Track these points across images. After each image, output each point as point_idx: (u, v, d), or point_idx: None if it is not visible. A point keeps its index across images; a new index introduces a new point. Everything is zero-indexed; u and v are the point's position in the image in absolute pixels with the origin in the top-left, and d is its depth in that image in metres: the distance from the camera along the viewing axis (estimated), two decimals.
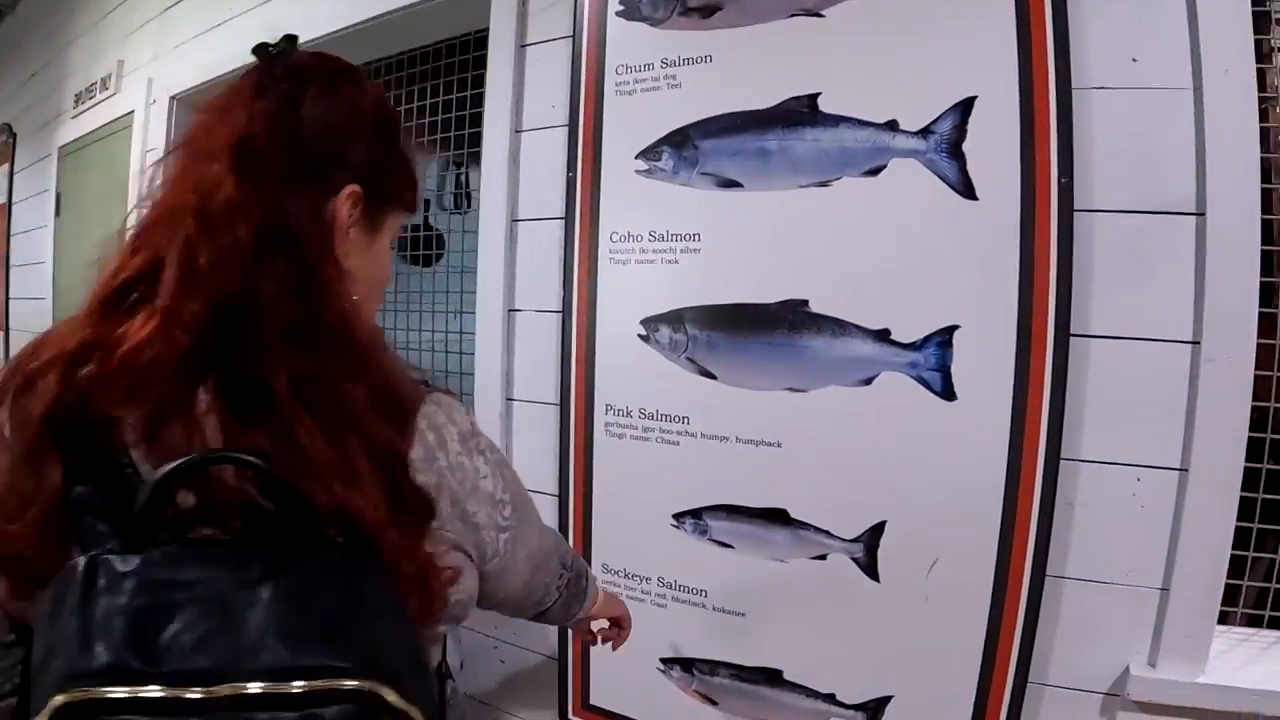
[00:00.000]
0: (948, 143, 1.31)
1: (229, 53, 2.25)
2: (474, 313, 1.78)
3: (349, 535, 0.63)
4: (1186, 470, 1.20)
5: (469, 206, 2.10)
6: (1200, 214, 1.20)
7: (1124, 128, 1.25)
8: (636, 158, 1.54)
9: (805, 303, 1.41)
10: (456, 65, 1.94)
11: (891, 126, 1.35)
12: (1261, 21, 1.30)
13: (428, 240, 2.14)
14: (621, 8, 1.57)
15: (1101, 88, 1.27)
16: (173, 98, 2.60)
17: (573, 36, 1.63)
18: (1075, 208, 1.24)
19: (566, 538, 1.63)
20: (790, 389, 1.43)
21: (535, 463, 1.70)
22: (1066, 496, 1.26)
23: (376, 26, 1.93)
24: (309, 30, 2.03)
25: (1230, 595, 1.26)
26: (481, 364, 1.74)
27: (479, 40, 1.82)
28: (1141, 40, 1.24)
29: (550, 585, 1.02)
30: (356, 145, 0.76)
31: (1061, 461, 1.24)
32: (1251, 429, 1.19)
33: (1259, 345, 1.19)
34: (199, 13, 2.38)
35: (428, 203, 2.16)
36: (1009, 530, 1.27)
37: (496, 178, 1.70)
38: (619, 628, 1.30)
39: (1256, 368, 1.19)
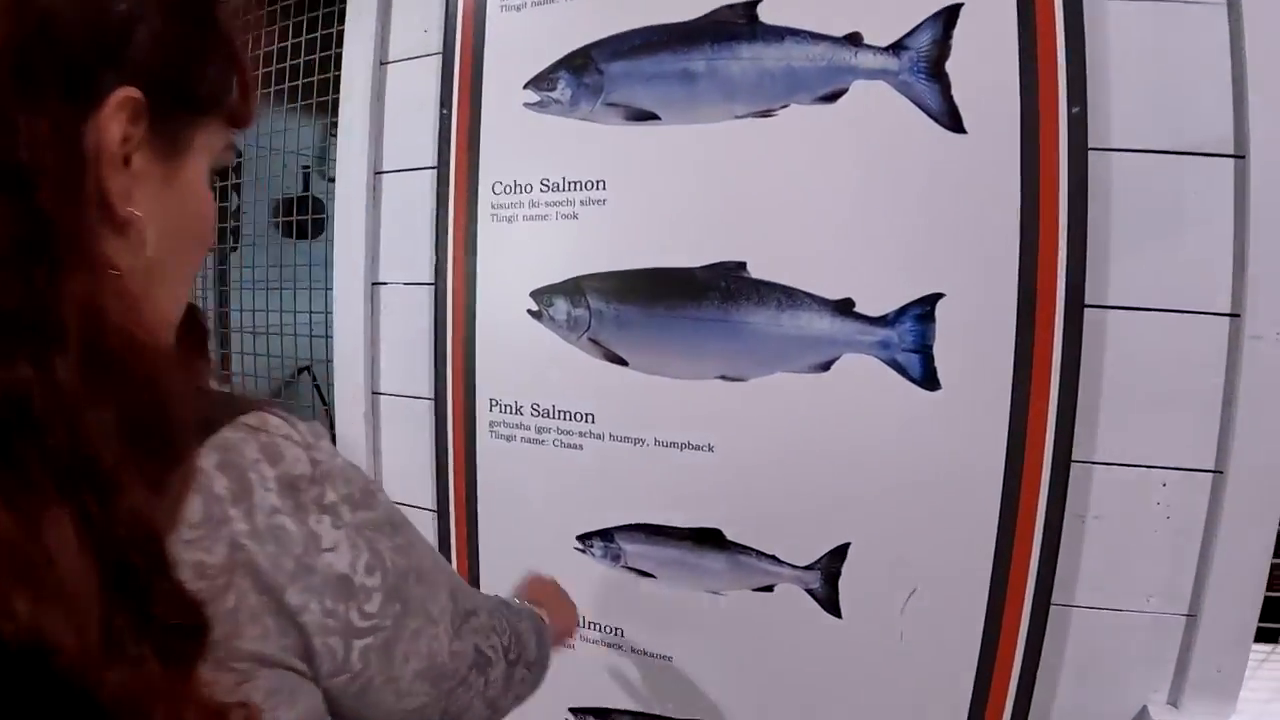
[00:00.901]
0: (927, 61, 0.86)
1: None
2: None
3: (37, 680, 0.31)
4: (1222, 473, 0.84)
5: None
6: (1240, 156, 0.83)
7: (1146, 45, 0.84)
8: (525, 87, 1.00)
9: (742, 265, 0.91)
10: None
11: (854, 40, 0.88)
12: None
13: (306, 207, 1.53)
14: None
15: None
16: None
17: None
18: (1089, 145, 0.82)
19: (448, 561, 1.07)
20: (724, 377, 0.93)
21: (408, 470, 1.16)
22: (1077, 508, 0.87)
23: None
24: None
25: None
26: (341, 350, 1.17)
27: None
28: None
29: (491, 701, 0.58)
30: (133, 27, 0.39)
31: (1072, 465, 0.85)
32: None
33: None
34: None
35: (307, 168, 1.57)
36: (1006, 551, 0.86)
37: (357, 121, 1.13)
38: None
39: None
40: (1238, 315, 0.82)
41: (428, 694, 0.49)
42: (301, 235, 1.57)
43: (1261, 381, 0.81)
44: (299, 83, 1.34)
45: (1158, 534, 0.86)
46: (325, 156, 1.71)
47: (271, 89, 1.38)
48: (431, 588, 0.48)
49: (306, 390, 1.74)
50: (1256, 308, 0.80)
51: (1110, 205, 0.84)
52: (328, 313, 1.41)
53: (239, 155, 1.65)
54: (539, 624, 0.68)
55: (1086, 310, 0.83)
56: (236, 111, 0.44)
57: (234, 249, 1.69)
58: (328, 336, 1.39)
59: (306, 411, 1.71)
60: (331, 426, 1.72)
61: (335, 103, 1.32)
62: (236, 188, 1.67)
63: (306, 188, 1.66)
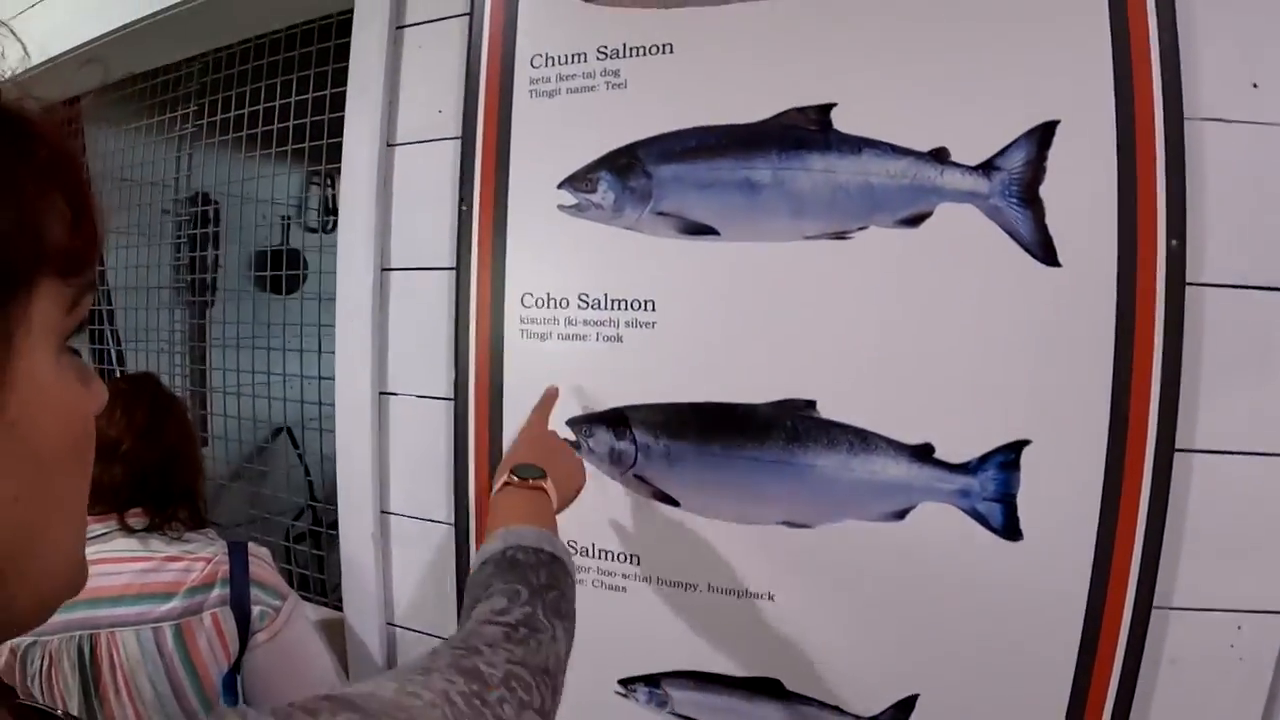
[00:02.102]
0: (1019, 184, 0.72)
1: (51, 30, 1.36)
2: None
3: None
4: None
5: (335, 226, 1.37)
6: None
7: (1243, 173, 0.72)
8: (560, 186, 0.84)
9: (811, 404, 0.77)
10: (314, 56, 1.13)
11: (939, 157, 0.74)
12: None
13: (287, 259, 1.33)
14: None
15: (1216, 119, 0.72)
16: None
17: (470, 14, 0.89)
18: (1187, 280, 0.70)
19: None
20: (788, 523, 0.79)
21: (424, 600, 0.99)
22: (1154, 653, 0.75)
23: (216, 4, 1.11)
24: (139, 7, 1.19)
25: None
26: (346, 467, 0.98)
27: (345, 24, 1.02)
28: (1262, 58, 0.72)
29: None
30: None
31: (1153, 611, 0.73)
32: None
33: None
34: None
35: (286, 218, 1.37)
36: (1080, 703, 0.73)
37: (360, 209, 0.95)
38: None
39: None
40: None
41: None
42: (278, 290, 1.37)
43: None
44: (284, 125, 1.14)
45: (1230, 676, 0.75)
46: (304, 206, 1.50)
47: (244, 133, 1.17)
48: None
49: (284, 452, 1.53)
50: None
51: (1202, 343, 0.72)
52: (303, 377, 1.22)
53: (214, 203, 1.43)
54: (558, 567, 0.57)
55: (1177, 455, 0.71)
56: (70, 253, 0.28)
57: (210, 304, 1.47)
58: (304, 402, 1.21)
59: (282, 475, 1.51)
60: (312, 496, 1.54)
61: (315, 150, 1.12)
62: (213, 238, 1.44)
63: (285, 239, 1.45)
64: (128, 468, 0.93)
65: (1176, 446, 0.71)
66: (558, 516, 0.70)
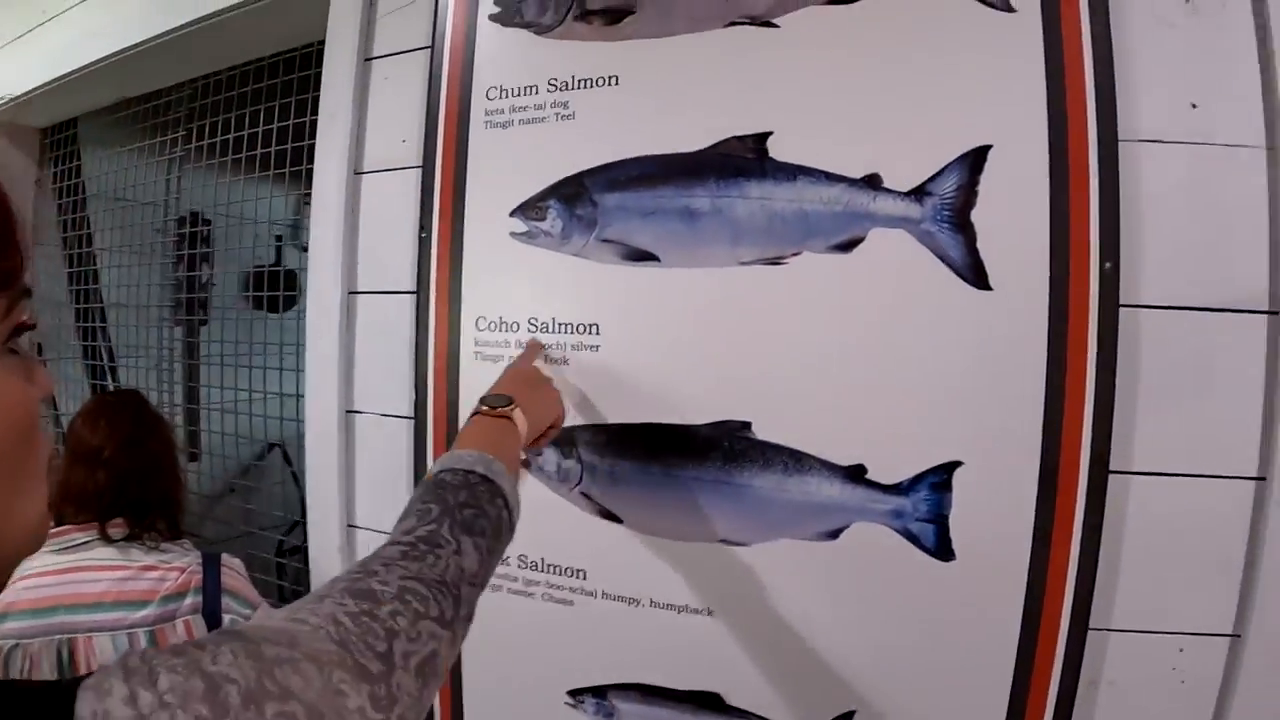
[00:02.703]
0: (951, 209, 0.76)
1: (44, 57, 1.49)
2: None
3: None
4: (1240, 637, 0.76)
5: None
6: (1274, 313, 0.75)
7: (1181, 195, 0.76)
8: (513, 214, 0.89)
9: (747, 426, 0.82)
10: (295, 84, 1.23)
11: (872, 183, 0.77)
12: None
13: (277, 279, 1.41)
14: (497, 9, 0.91)
15: (1154, 141, 0.76)
16: None
17: (431, 47, 0.95)
18: (1120, 302, 0.74)
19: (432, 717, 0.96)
20: (725, 541, 0.84)
21: None
22: (1091, 674, 0.78)
23: (201, 32, 1.22)
24: (125, 36, 1.29)
25: None
26: (314, 480, 1.05)
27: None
28: (1203, 81, 0.76)
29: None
30: None
31: (1089, 632, 0.76)
32: None
33: None
34: (13, 18, 1.58)
35: (280, 238, 1.45)
36: None
37: (329, 234, 1.02)
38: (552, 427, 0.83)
39: None
40: (1264, 479, 0.74)
41: None
42: (273, 309, 1.45)
43: None
44: (286, 147, 1.22)
45: (1172, 699, 0.78)
46: (299, 226, 1.59)
47: (242, 155, 1.26)
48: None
49: (274, 468, 1.61)
50: None
51: (1139, 366, 0.75)
52: (299, 396, 1.29)
53: (207, 223, 1.52)
54: (485, 488, 0.58)
55: (1111, 478, 0.74)
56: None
57: (204, 322, 1.56)
58: (299, 420, 1.28)
59: (277, 490, 1.59)
60: (304, 512, 1.62)
61: (310, 172, 1.20)
62: (206, 258, 1.54)
63: (279, 259, 1.53)
64: (110, 473, 1.01)
65: (1111, 468, 0.74)
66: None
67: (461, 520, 0.53)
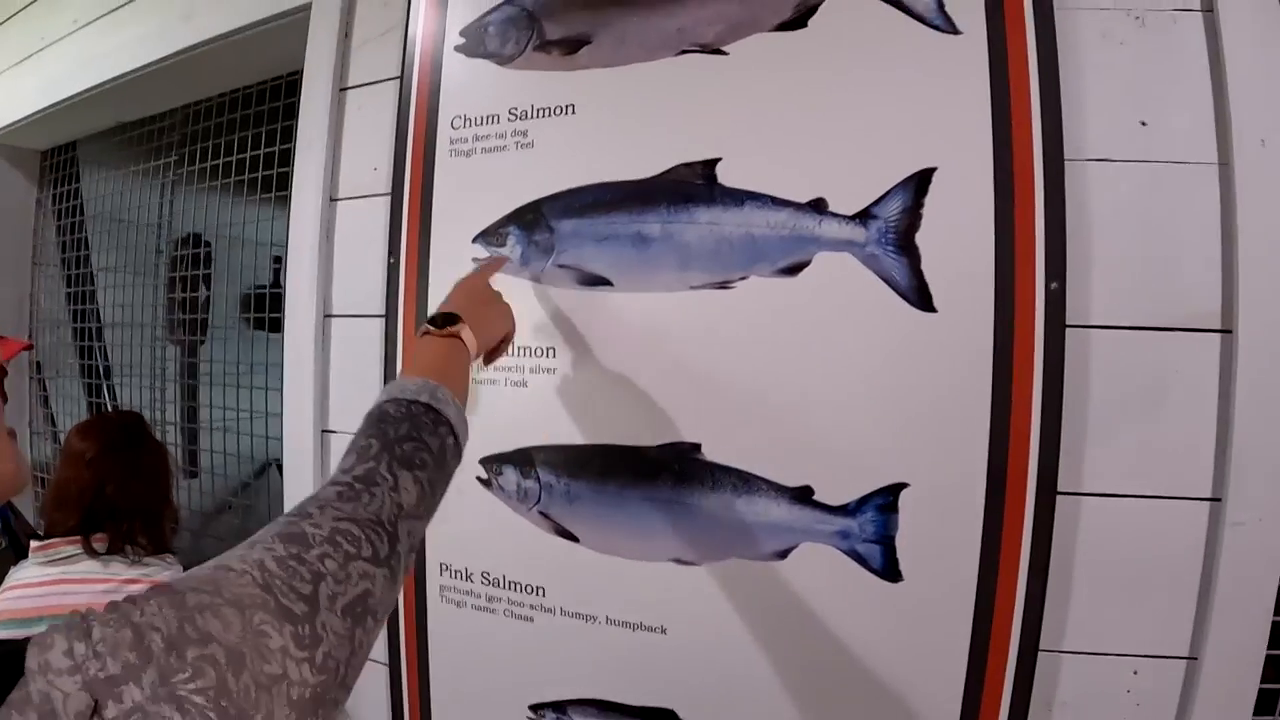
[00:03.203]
0: (895, 232, 0.80)
1: (42, 82, 1.60)
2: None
3: None
4: (1196, 659, 0.78)
5: None
6: (1227, 331, 0.77)
7: (1130, 213, 0.79)
8: (475, 240, 0.95)
9: (697, 447, 0.86)
10: (282, 110, 1.30)
11: (818, 207, 0.81)
12: None
13: (275, 300, 1.47)
14: (462, 41, 0.97)
15: (1102, 159, 0.79)
16: None
17: (400, 78, 1.01)
18: (1067, 322, 0.76)
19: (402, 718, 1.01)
20: (677, 560, 0.87)
21: None
22: (1043, 695, 0.80)
23: (189, 62, 1.30)
24: (116, 64, 1.38)
25: None
26: (292, 495, 1.10)
27: None
28: (1153, 98, 0.79)
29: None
30: None
31: (1040, 654, 0.78)
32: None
33: None
34: (14, 44, 1.69)
35: (278, 259, 1.52)
36: None
37: (305, 259, 1.08)
38: (504, 341, 0.85)
39: None
40: (1219, 500, 0.76)
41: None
42: (273, 329, 1.52)
43: (1241, 568, 0.75)
44: (273, 172, 1.30)
45: None
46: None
47: (245, 178, 1.34)
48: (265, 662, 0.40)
49: (275, 485, 1.68)
50: (1240, 492, 0.75)
51: (1088, 385, 0.78)
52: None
53: (206, 244, 1.60)
54: (428, 418, 0.59)
55: (1060, 498, 0.76)
56: None
57: (201, 341, 1.64)
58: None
59: (273, 507, 1.66)
60: None
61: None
62: (205, 279, 1.62)
63: (278, 281, 1.61)
64: (92, 475, 1.08)
65: (1060, 489, 0.76)
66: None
67: (401, 455, 0.54)
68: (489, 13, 0.96)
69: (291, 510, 0.49)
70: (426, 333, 0.72)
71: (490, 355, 0.83)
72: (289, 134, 1.24)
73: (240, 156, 1.36)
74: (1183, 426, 0.77)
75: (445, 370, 0.66)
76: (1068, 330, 0.76)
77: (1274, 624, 0.78)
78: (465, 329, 0.72)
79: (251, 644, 0.39)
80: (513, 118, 0.93)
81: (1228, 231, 0.76)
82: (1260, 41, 0.76)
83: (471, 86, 0.96)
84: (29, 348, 1.17)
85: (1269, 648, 0.77)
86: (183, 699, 0.35)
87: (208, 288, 1.62)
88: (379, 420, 0.58)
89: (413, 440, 0.56)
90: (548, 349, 0.91)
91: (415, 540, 0.53)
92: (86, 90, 1.46)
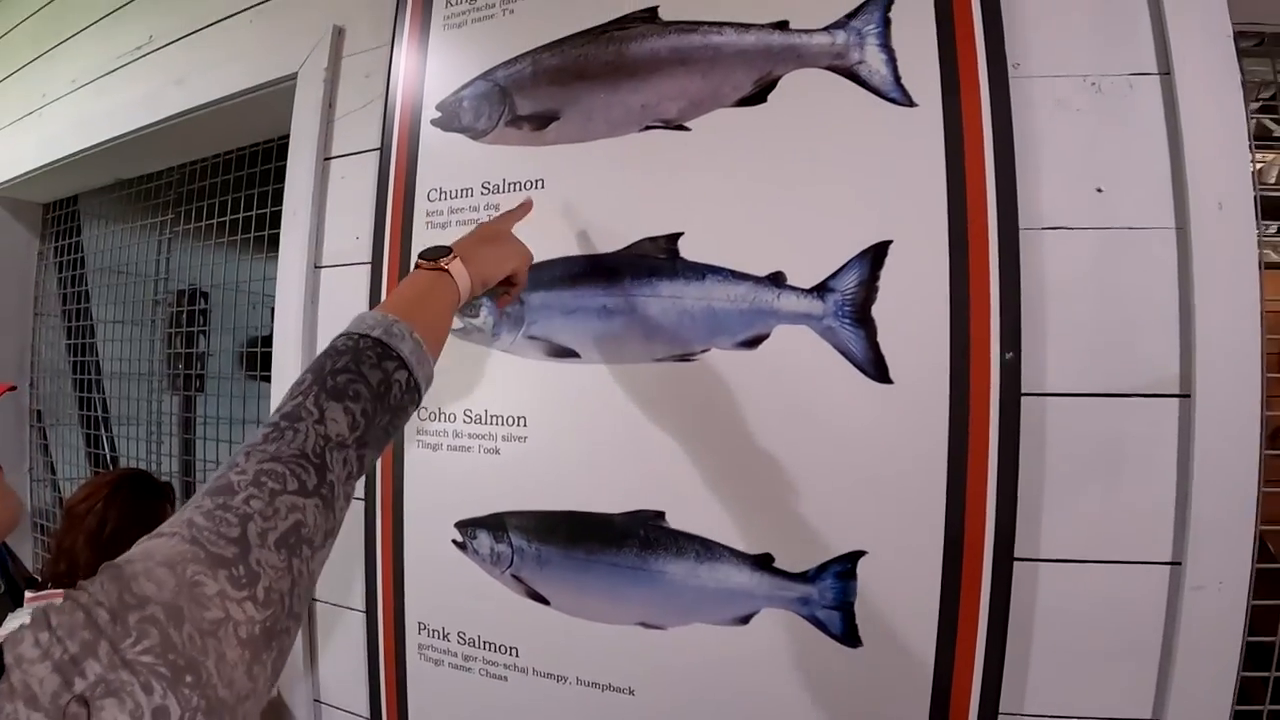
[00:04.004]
0: (852, 305, 0.85)
1: (42, 140, 1.71)
2: None
3: None
4: None
5: None
6: (1185, 395, 0.81)
7: (1087, 280, 0.84)
8: None
9: (661, 515, 0.91)
10: (273, 172, 1.39)
11: (776, 280, 0.87)
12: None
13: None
14: (438, 115, 1.04)
15: (1058, 228, 0.85)
16: None
17: (380, 149, 1.08)
18: (1022, 391, 0.81)
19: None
20: (644, 624, 0.93)
21: (345, 677, 1.16)
22: None
23: (182, 126, 1.39)
24: (113, 126, 1.49)
25: None
26: None
27: None
28: (1109, 164, 0.84)
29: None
30: None
31: (1000, 718, 0.81)
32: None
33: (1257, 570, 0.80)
34: (15, 99, 1.81)
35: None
36: None
37: (291, 325, 1.16)
38: (513, 285, 0.85)
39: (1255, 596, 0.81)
40: (1179, 564, 0.80)
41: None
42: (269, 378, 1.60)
43: (1202, 632, 0.78)
44: (265, 233, 1.39)
45: None
46: None
47: (226, 238, 1.44)
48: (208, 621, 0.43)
49: None
50: (1199, 556, 0.78)
51: (1045, 452, 0.82)
52: None
53: (205, 296, 1.70)
54: (374, 350, 0.60)
55: (1017, 564, 0.80)
56: None
57: (199, 391, 1.73)
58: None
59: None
60: None
61: None
62: (203, 331, 1.71)
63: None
64: (86, 532, 1.16)
65: (1017, 555, 0.79)
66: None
67: (331, 388, 0.56)
68: (464, 88, 1.03)
69: (226, 462, 0.51)
70: (417, 266, 0.73)
71: (504, 296, 0.85)
72: (280, 196, 1.34)
73: (234, 217, 1.46)
74: (1141, 491, 0.81)
75: (418, 305, 0.68)
76: (1023, 398, 0.80)
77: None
78: (455, 262, 0.72)
79: (188, 596, 0.41)
80: (485, 191, 1.00)
81: (1184, 295, 0.80)
82: (1217, 103, 0.80)
83: (447, 159, 1.03)
84: (12, 389, 1.26)
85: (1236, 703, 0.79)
86: (132, 662, 0.39)
87: (206, 340, 1.71)
88: (323, 355, 0.60)
89: (348, 373, 0.57)
90: (519, 418, 0.97)
91: (356, 468, 0.55)
92: (84, 150, 1.55)
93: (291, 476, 0.50)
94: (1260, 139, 1.26)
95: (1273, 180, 1.16)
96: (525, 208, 0.89)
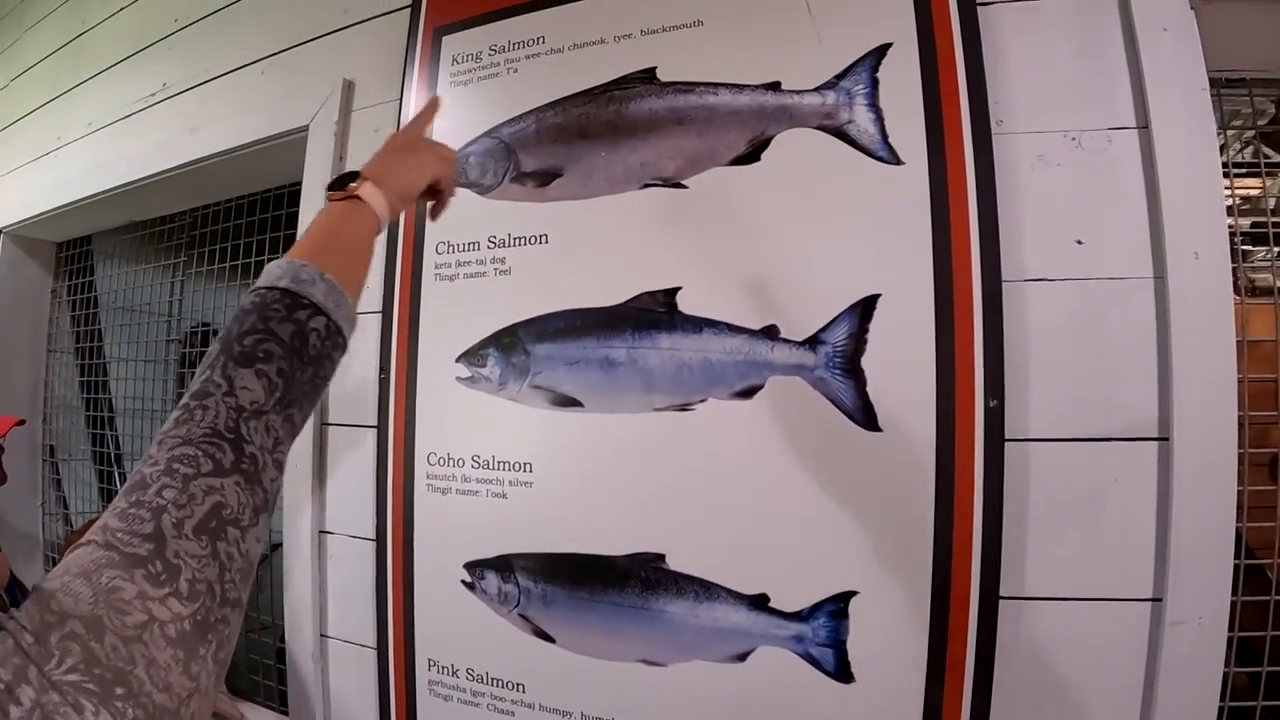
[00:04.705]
0: (843, 356, 0.91)
1: (57, 182, 1.80)
2: None
3: None
4: None
5: None
6: (1164, 439, 0.86)
7: (1068, 329, 0.90)
8: (458, 361, 1.07)
9: (661, 557, 0.97)
10: (285, 218, 1.48)
11: (770, 333, 0.93)
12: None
13: None
14: None
15: (1039, 279, 0.91)
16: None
17: None
18: (1006, 436, 0.86)
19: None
20: (645, 661, 0.99)
21: (356, 714, 1.23)
22: None
23: (193, 174, 1.48)
24: (128, 171, 1.58)
25: None
26: (292, 590, 1.25)
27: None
28: (1088, 217, 0.90)
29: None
30: None
31: None
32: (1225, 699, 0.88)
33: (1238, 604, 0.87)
34: (31, 140, 1.91)
35: None
36: None
37: None
38: (440, 192, 0.83)
39: (1234, 628, 0.86)
40: (1159, 600, 0.84)
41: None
42: None
43: (1184, 665, 0.83)
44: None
45: None
46: None
47: (238, 281, 1.51)
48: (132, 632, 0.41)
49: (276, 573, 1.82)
50: (1179, 592, 0.83)
51: (1028, 495, 0.88)
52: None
53: (207, 326, 1.78)
54: (281, 304, 0.56)
55: (1002, 603, 0.86)
56: None
57: None
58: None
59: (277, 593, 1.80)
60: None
61: None
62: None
63: None
64: None
65: (1002, 594, 0.85)
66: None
67: (239, 354, 0.53)
68: (470, 144, 1.11)
69: (142, 457, 0.49)
70: (328, 199, 0.69)
71: (433, 208, 0.84)
72: (293, 241, 1.41)
73: (246, 261, 1.54)
74: (1122, 531, 0.86)
75: (331, 242, 0.64)
76: (1007, 444, 0.86)
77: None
78: (365, 186, 0.69)
79: (106, 604, 0.40)
80: (492, 245, 1.08)
81: (1163, 342, 0.85)
82: (1193, 155, 0.86)
83: (454, 215, 1.08)
84: (20, 423, 1.31)
85: None
86: (59, 683, 0.37)
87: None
88: (232, 320, 0.56)
89: (257, 333, 0.54)
90: (525, 464, 1.04)
91: (283, 431, 0.53)
92: (99, 193, 1.63)
93: (205, 457, 0.47)
94: (1250, 166, 1.32)
95: (1270, 207, 1.21)
96: (433, 105, 0.85)
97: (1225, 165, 0.96)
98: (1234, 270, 0.86)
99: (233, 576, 0.45)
